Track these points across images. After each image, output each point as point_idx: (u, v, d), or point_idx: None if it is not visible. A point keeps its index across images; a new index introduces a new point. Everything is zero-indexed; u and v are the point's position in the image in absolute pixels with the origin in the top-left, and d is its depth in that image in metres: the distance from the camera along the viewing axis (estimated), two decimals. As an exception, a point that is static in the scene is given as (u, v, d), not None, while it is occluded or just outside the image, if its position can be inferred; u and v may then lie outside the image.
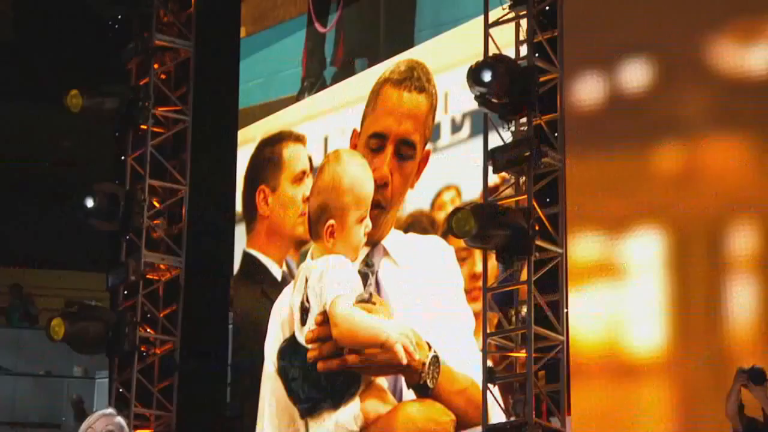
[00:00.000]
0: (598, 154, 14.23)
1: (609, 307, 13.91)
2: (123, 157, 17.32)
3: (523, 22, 14.31)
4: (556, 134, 13.97)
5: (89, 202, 16.78)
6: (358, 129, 16.14)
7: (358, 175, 15.55)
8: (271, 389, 16.01)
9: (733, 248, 13.56)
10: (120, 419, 6.46)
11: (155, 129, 17.19)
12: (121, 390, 16.69)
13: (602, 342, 14.03)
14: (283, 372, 15.79)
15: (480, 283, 14.31)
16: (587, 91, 14.50)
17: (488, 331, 13.94)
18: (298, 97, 17.16)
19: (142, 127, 17.17)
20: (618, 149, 14.10)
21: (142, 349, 16.70)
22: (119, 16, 17.60)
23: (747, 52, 13.68)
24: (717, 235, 13.71)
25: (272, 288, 16.59)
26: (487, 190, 14.31)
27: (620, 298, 13.99)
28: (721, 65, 13.86)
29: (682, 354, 13.75)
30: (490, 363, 13.90)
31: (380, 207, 15.58)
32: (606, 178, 14.14)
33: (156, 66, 17.36)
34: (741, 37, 13.72)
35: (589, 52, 14.63)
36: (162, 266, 17.03)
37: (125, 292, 16.94)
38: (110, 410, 6.81)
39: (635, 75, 14.27)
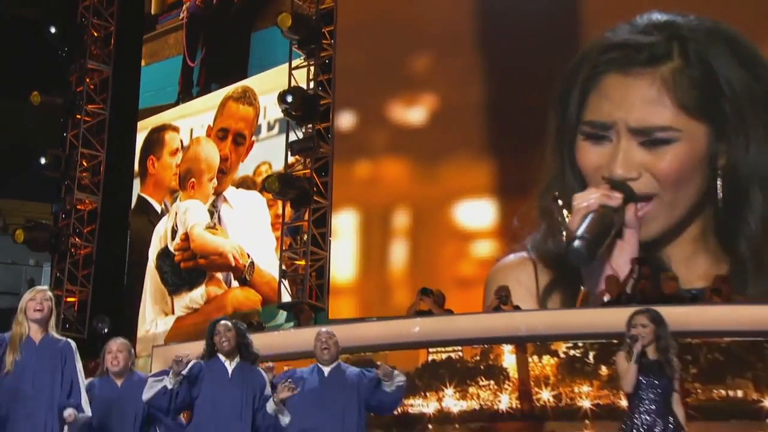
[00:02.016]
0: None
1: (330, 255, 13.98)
2: (65, 134, 17.09)
3: (312, 68, 14.55)
4: (329, 135, 14.25)
5: (43, 160, 16.77)
6: (212, 125, 16.15)
7: (210, 153, 15.88)
8: (151, 278, 16.19)
9: (395, 224, 13.73)
10: (50, 293, 6.14)
11: (86, 118, 17.00)
12: (58, 275, 16.61)
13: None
14: (159, 268, 16.07)
15: (280, 220, 14.59)
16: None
17: (284, 248, 14.38)
18: (175, 104, 17.02)
19: (78, 116, 16.99)
20: (335, 164, 14.08)
21: (72, 250, 16.61)
22: (66, 48, 17.41)
23: (409, 111, 13.83)
24: (387, 216, 13.79)
25: (155, 218, 16.61)
26: (287, 166, 14.57)
27: (333, 249, 13.98)
28: (395, 117, 13.96)
29: (364, 282, 13.96)
30: (284, 267, 14.22)
31: (223, 172, 15.74)
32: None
33: (87, 80, 17.13)
34: (406, 102, 13.87)
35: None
36: (87, 201, 16.83)
37: (63, 216, 16.80)
38: (45, 287, 6.58)
39: (346, 120, 14.23)
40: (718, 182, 11.77)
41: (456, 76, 13.65)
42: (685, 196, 11.80)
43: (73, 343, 5.99)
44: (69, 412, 5.80)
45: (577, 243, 10.90)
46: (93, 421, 6.33)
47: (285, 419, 6.14)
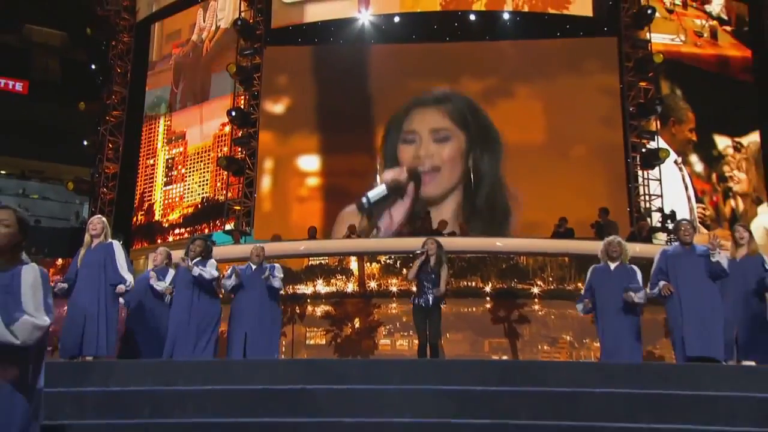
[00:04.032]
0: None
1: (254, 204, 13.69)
2: (99, 128, 16.20)
3: (247, 96, 14.20)
4: (257, 135, 13.80)
5: (85, 142, 16.05)
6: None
7: (187, 142, 15.33)
8: (149, 213, 15.59)
9: (264, 167, 13.70)
10: (103, 218, 5.97)
11: (111, 119, 16.18)
12: (93, 210, 15.78)
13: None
14: (154, 208, 15.41)
15: (227, 183, 14.08)
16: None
17: (228, 199, 13.86)
18: (166, 114, 16.13)
19: (107, 118, 16.18)
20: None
21: (101, 196, 15.80)
22: (101, 78, 16.45)
23: (275, 105, 13.98)
24: (261, 162, 13.67)
25: (152, 180, 15.83)
26: (231, 152, 14.08)
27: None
28: (266, 109, 13.89)
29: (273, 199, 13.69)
30: (227, 210, 13.73)
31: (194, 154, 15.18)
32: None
33: (113, 96, 16.29)
34: (273, 101, 13.96)
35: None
36: (111, 167, 16.03)
37: (96, 175, 15.99)
38: (99, 215, 6.31)
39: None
40: (471, 168, 12.75)
41: (301, 87, 14.09)
42: (454, 174, 12.70)
43: (115, 242, 5.75)
44: (119, 287, 5.65)
45: (363, 200, 12.13)
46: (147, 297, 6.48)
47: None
